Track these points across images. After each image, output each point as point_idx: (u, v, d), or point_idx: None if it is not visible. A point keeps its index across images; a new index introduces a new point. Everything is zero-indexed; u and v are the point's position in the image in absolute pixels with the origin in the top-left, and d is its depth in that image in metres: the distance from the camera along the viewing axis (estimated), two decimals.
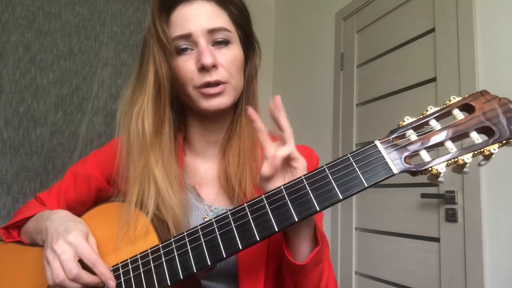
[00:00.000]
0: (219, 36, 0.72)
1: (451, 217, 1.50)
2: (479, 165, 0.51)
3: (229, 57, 0.73)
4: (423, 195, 1.61)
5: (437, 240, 1.56)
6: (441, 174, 0.50)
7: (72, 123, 2.02)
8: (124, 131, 0.73)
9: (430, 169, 0.51)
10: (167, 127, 0.73)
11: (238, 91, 0.76)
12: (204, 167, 0.81)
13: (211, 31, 0.71)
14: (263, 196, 0.59)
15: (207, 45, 0.71)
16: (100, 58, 2.10)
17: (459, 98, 0.53)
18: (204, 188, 0.79)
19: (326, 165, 0.57)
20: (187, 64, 0.71)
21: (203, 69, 0.70)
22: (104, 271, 0.65)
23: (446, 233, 1.52)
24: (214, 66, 0.70)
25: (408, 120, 0.55)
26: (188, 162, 0.81)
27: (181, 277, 0.61)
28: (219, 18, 0.73)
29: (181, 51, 0.71)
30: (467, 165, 0.49)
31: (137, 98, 0.72)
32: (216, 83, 0.71)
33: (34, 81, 1.92)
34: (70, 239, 0.65)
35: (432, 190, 1.60)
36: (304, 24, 2.68)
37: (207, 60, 0.68)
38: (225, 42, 0.73)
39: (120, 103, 0.76)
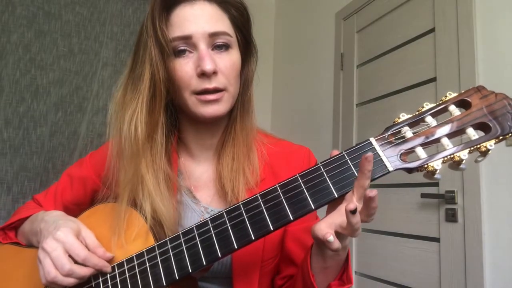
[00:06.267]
0: (220, 41, 0.70)
1: (451, 217, 1.49)
2: (476, 161, 0.50)
3: (229, 63, 0.71)
4: (423, 195, 1.60)
5: (437, 240, 1.55)
6: (437, 171, 0.49)
7: (72, 123, 2.02)
8: (116, 133, 0.72)
9: (426, 166, 0.50)
10: (160, 132, 0.71)
11: (235, 97, 0.75)
12: (200, 170, 0.80)
13: (212, 35, 0.69)
14: (258, 195, 0.58)
15: (207, 50, 0.69)
16: (100, 58, 2.10)
17: (455, 94, 0.53)
18: (200, 190, 0.79)
19: (321, 163, 0.56)
20: (185, 68, 0.68)
21: (202, 75, 0.68)
22: (97, 262, 0.65)
23: (446, 233, 1.51)
24: (214, 72, 0.68)
25: (403, 117, 0.54)
26: (183, 164, 0.80)
27: (177, 277, 0.60)
28: (220, 22, 0.71)
29: (179, 53, 0.69)
30: (464, 161, 0.49)
31: (130, 100, 0.70)
32: (215, 90, 0.69)
33: (34, 81, 1.92)
34: (58, 236, 0.65)
35: (432, 190, 1.59)
36: (304, 24, 2.68)
37: (208, 66, 0.66)
38: (225, 47, 0.71)
39: (111, 102, 0.73)
